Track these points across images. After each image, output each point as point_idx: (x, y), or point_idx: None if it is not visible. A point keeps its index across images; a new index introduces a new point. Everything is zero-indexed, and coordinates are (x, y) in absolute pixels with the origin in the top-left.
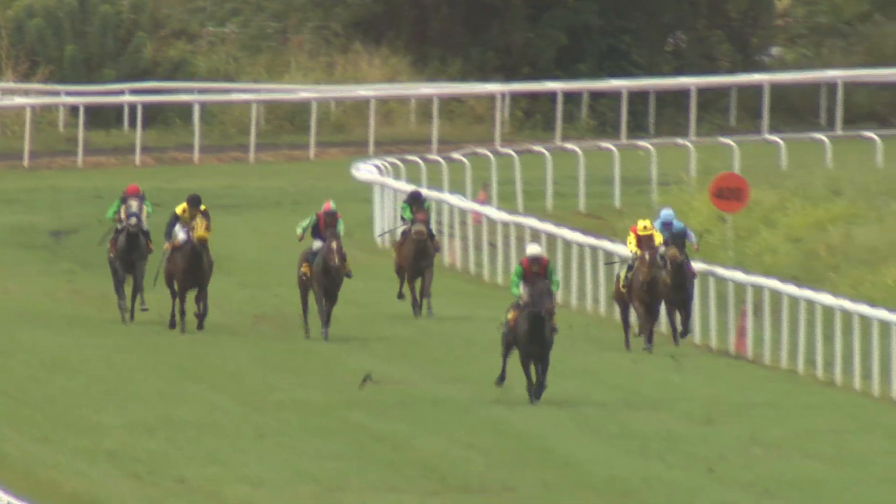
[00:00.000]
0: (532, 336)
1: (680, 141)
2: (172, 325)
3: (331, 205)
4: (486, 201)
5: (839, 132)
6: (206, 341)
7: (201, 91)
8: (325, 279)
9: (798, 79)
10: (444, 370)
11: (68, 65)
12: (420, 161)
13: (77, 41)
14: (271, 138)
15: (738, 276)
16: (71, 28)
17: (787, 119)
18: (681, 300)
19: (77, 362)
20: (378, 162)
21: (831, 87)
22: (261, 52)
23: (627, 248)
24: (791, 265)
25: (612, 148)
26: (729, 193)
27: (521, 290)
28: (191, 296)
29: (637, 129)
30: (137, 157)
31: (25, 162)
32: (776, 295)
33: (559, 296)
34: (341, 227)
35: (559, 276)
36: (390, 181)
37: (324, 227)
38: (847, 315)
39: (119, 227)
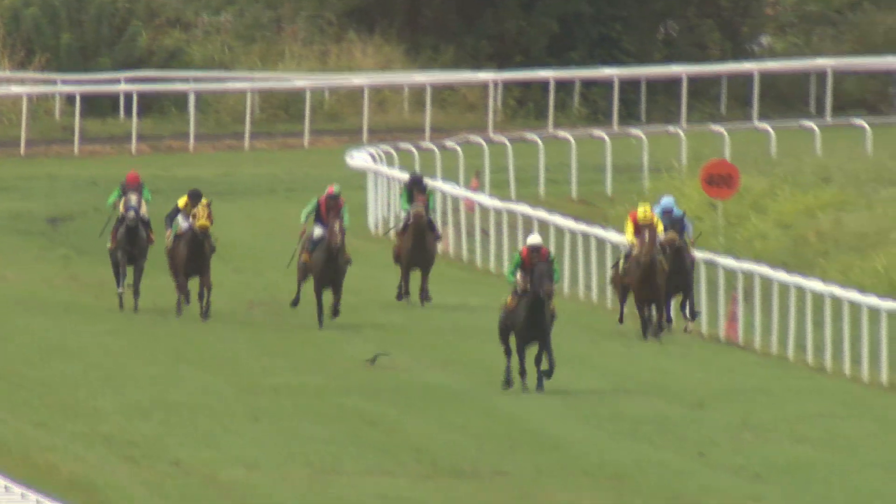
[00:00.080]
0: (531, 321)
1: (671, 128)
2: (179, 313)
3: (334, 188)
4: (479, 189)
5: (829, 120)
6: (200, 326)
7: (196, 80)
8: (327, 268)
9: (788, 67)
10: (436, 356)
11: (64, 53)
12: (413, 149)
13: (73, 30)
14: (266, 126)
15: (729, 262)
16: (67, 17)
17: (776, 107)
18: (682, 285)
19: (73, 347)
20: (372, 150)
21: (821, 75)
22: (255, 41)
23: (625, 236)
24: (781, 251)
25: (603, 136)
26: (719, 180)
27: (516, 278)
28: (195, 290)
29: (628, 116)
30: (133, 146)
31: (22, 150)
32: (766, 281)
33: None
34: (346, 217)
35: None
36: (384, 169)
37: (325, 211)
38: (837, 301)
39: (119, 216)
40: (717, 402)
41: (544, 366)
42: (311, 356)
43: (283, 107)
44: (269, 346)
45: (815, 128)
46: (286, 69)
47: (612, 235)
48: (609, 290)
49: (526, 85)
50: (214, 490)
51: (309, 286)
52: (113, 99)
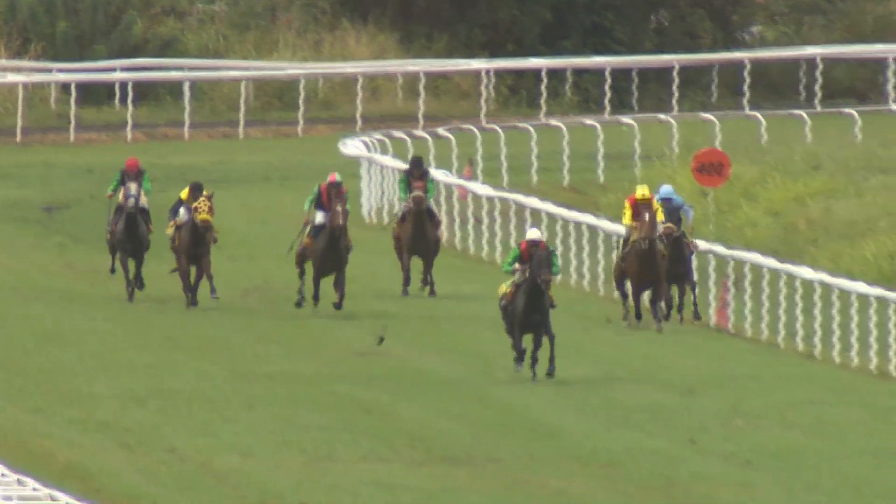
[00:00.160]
0: (530, 306)
1: (662, 117)
2: (187, 301)
3: (336, 176)
4: (472, 177)
5: (818, 108)
6: (195, 314)
7: (191, 68)
8: (328, 252)
9: (778, 56)
10: (430, 343)
11: (60, 42)
12: (406, 137)
13: (69, 19)
14: (260, 115)
15: (720, 249)
16: (62, 5)
17: (767, 95)
18: (680, 273)
19: (69, 335)
20: (365, 138)
21: (811, 63)
22: (250, 29)
23: (622, 222)
24: (771, 239)
25: (595, 124)
26: (710, 168)
27: (513, 268)
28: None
29: (620, 105)
30: (129, 134)
31: (18, 138)
32: (757, 268)
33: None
34: (347, 198)
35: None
36: (377, 157)
37: (326, 198)
38: (826, 288)
39: (118, 205)
40: (708, 390)
41: (544, 366)
42: (305, 344)
43: (278, 95)
44: (264, 333)
45: (805, 116)
46: (280, 58)
47: (604, 223)
48: (602, 280)
49: (519, 73)
50: (209, 477)
51: (309, 282)
52: (108, 87)
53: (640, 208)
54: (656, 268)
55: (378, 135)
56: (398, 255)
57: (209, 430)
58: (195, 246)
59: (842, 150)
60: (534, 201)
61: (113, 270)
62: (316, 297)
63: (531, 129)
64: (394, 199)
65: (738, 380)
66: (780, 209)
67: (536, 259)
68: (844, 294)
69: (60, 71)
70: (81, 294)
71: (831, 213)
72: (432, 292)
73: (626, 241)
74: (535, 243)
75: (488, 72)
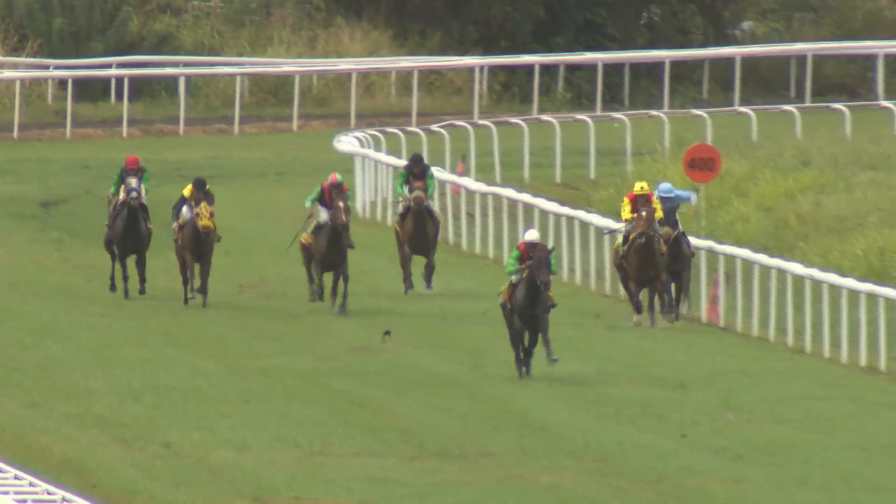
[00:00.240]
0: (529, 302)
1: (654, 113)
2: (185, 298)
3: (337, 176)
4: (465, 172)
5: (808, 104)
6: (191, 310)
7: (187, 64)
8: (331, 249)
9: (769, 52)
10: (423, 339)
11: (57, 39)
12: (400, 133)
13: (65, 16)
14: (255, 111)
15: (711, 245)
16: (59, 3)
17: (758, 91)
18: (677, 271)
19: (66, 330)
20: (359, 134)
21: (801, 59)
22: (244, 26)
23: (622, 217)
24: (762, 234)
25: (587, 120)
26: (701, 164)
27: (516, 269)
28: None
29: (612, 101)
30: (124, 129)
31: (15, 134)
32: (748, 264)
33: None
34: (348, 197)
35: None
36: (371, 153)
37: (328, 197)
38: (817, 284)
39: (119, 202)
40: (699, 384)
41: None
42: (300, 339)
43: (272, 91)
44: (259, 329)
45: (796, 112)
46: (275, 54)
47: (595, 218)
48: (594, 275)
49: (511, 70)
50: (205, 471)
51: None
52: (105, 83)
53: (638, 203)
54: (655, 263)
55: (372, 131)
56: (400, 252)
57: (205, 425)
58: (198, 244)
59: (831, 146)
60: (526, 197)
61: (113, 288)
62: (321, 294)
63: (523, 124)
64: (388, 194)
65: (729, 375)
66: (770, 204)
67: (536, 259)
68: (834, 289)
69: (57, 67)
70: (78, 289)
71: (821, 209)
72: (429, 286)
73: (626, 239)
74: (533, 244)
75: (481, 68)
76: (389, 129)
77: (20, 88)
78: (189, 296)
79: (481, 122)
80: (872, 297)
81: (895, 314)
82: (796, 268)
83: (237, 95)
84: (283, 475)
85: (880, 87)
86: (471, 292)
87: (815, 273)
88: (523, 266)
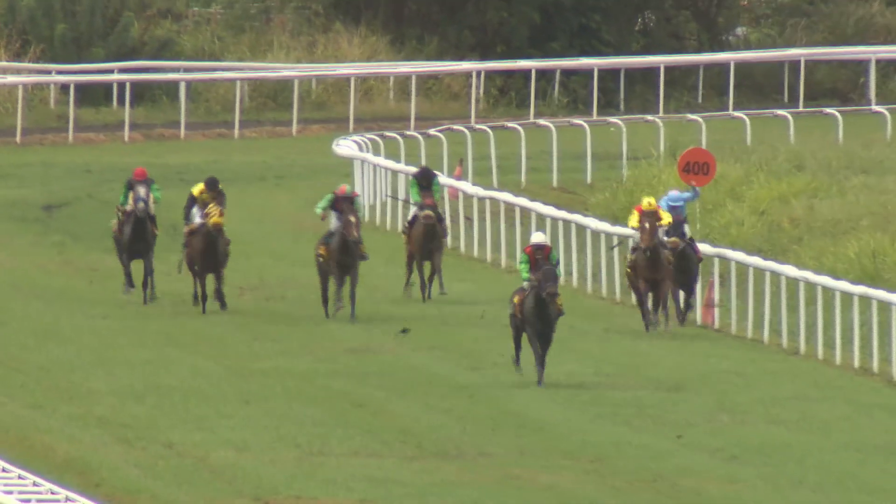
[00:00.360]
0: (538, 314)
1: (649, 117)
2: (196, 302)
3: (346, 188)
4: (462, 176)
5: (801, 109)
6: (192, 311)
7: (187, 70)
8: (343, 257)
9: (762, 57)
10: (421, 340)
11: (59, 44)
12: (398, 137)
13: (67, 21)
14: (255, 115)
15: (706, 248)
16: (61, 8)
17: (751, 96)
18: (684, 281)
19: (68, 331)
20: (358, 138)
21: (794, 65)
22: (244, 31)
23: (629, 225)
24: (756, 237)
25: (583, 124)
26: (696, 168)
27: (530, 275)
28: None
29: (608, 106)
30: (126, 134)
31: (18, 138)
32: (742, 266)
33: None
34: (359, 206)
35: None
36: (370, 156)
37: (340, 207)
38: (810, 286)
39: (127, 211)
40: (694, 386)
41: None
42: (299, 340)
43: (272, 96)
44: (259, 330)
45: (789, 116)
46: (274, 59)
47: (592, 222)
48: (590, 278)
49: (508, 74)
50: (206, 471)
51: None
52: (106, 88)
53: (643, 218)
54: (661, 273)
55: (370, 135)
56: (408, 259)
57: (205, 425)
58: (208, 254)
59: (824, 150)
60: (523, 201)
61: (129, 285)
62: (352, 304)
63: (520, 129)
64: (386, 197)
65: (724, 376)
66: (764, 208)
67: (543, 274)
68: (828, 292)
69: (59, 72)
70: (80, 292)
71: (815, 212)
72: (441, 289)
73: (633, 249)
74: (539, 247)
75: (478, 73)
76: (388, 134)
77: (23, 93)
78: (197, 301)
79: (478, 126)
80: (865, 300)
81: (888, 316)
82: (790, 270)
83: (237, 100)
84: (283, 475)
85: (872, 92)
86: (469, 294)
87: (809, 275)
88: (532, 280)
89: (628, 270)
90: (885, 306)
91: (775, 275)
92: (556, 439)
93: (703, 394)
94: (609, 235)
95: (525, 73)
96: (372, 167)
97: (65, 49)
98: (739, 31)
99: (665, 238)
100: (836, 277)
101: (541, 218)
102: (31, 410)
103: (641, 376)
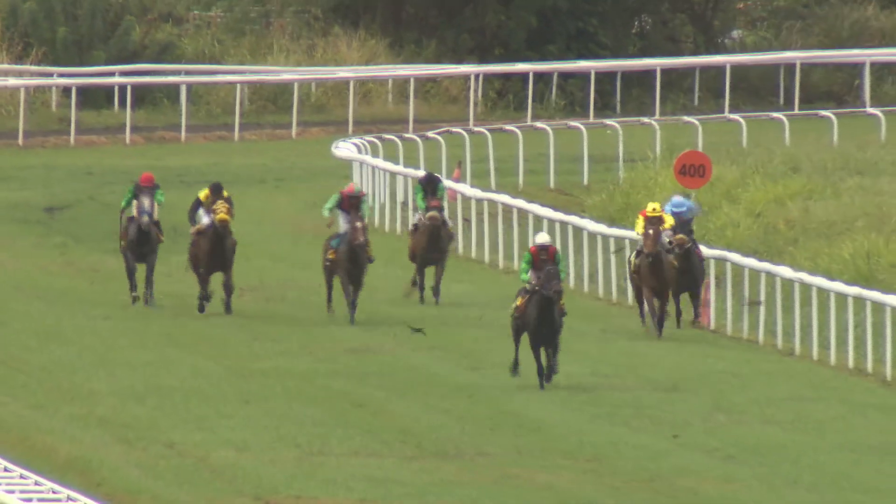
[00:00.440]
0: (541, 319)
1: (645, 120)
2: (201, 308)
3: (354, 187)
4: (460, 178)
5: (797, 111)
6: (193, 312)
7: (188, 73)
8: (349, 263)
9: (758, 60)
10: (421, 340)
11: (60, 47)
12: (397, 140)
13: (68, 24)
14: (255, 118)
15: (702, 250)
16: (62, 12)
17: (747, 99)
18: (689, 284)
19: (70, 332)
20: (357, 140)
21: (789, 67)
22: (245, 35)
23: (635, 230)
24: (752, 239)
25: (580, 127)
26: (692, 170)
27: (529, 276)
28: (216, 279)
29: (604, 108)
30: (127, 136)
31: (20, 141)
32: (738, 268)
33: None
34: (366, 209)
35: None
36: (368, 159)
37: (348, 205)
38: (805, 287)
39: (130, 217)
40: (691, 386)
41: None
42: (299, 341)
43: (272, 99)
44: (259, 331)
45: (784, 119)
46: (274, 62)
47: (588, 224)
48: (587, 279)
49: (506, 77)
50: (206, 471)
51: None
52: (107, 91)
53: (648, 223)
54: (664, 278)
55: (369, 137)
56: (412, 261)
57: (206, 426)
58: (215, 253)
59: (820, 153)
60: (520, 202)
61: (133, 288)
62: (351, 308)
63: (518, 131)
64: (385, 200)
65: (720, 376)
66: (760, 210)
67: (547, 274)
68: (823, 293)
69: (61, 75)
70: (81, 293)
71: (810, 214)
72: (436, 293)
73: (638, 254)
74: (544, 247)
75: (476, 76)
76: (386, 136)
77: (24, 96)
78: (203, 308)
79: (476, 128)
80: (860, 301)
81: (882, 317)
82: (785, 271)
83: (237, 103)
84: (283, 474)
85: (867, 94)
86: (467, 296)
87: (804, 276)
88: (534, 283)
89: (633, 274)
90: (879, 307)
91: (771, 276)
92: (554, 439)
93: (700, 394)
94: (606, 237)
95: (523, 76)
96: (371, 169)
97: (66, 52)
98: (735, 34)
99: (672, 234)
100: (831, 279)
101: (538, 219)
102: (32, 411)
103: (638, 377)
